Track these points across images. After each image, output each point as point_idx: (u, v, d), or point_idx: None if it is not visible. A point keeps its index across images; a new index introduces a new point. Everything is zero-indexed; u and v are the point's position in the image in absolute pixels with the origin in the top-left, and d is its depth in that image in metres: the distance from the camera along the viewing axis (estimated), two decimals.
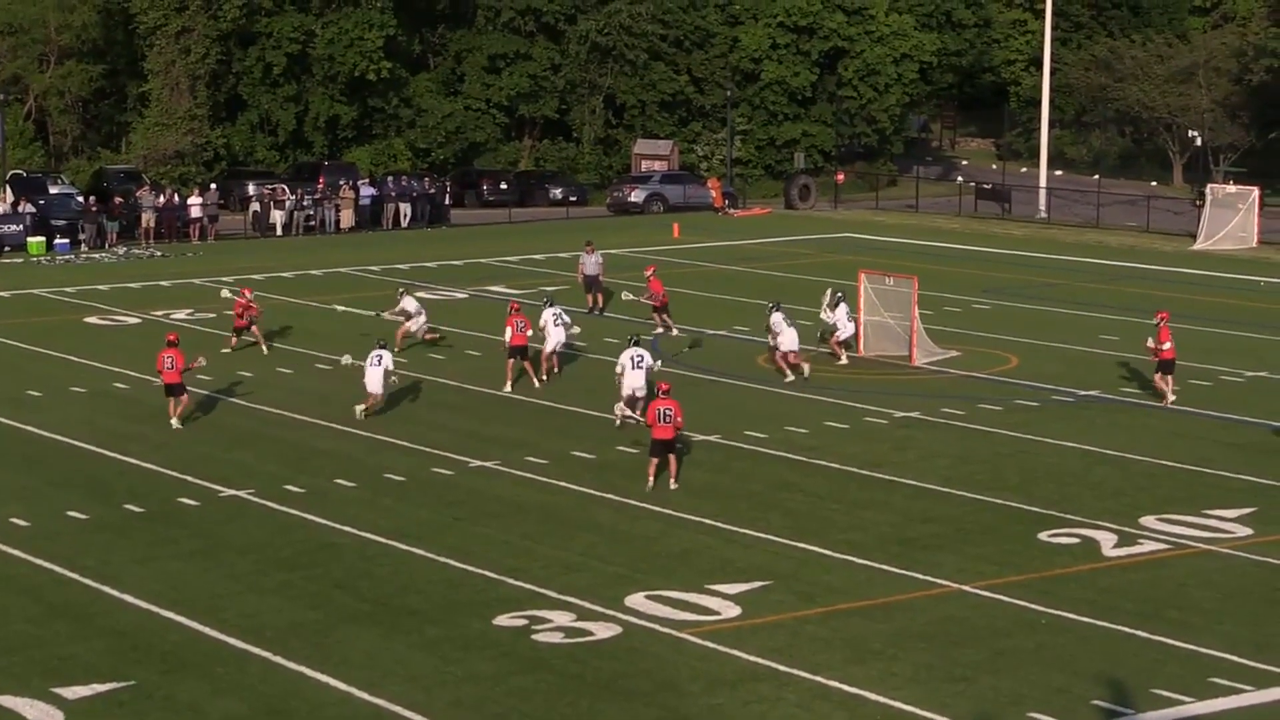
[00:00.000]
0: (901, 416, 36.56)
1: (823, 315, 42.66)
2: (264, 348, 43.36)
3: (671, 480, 30.82)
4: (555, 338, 40.25)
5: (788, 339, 39.83)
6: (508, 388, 39.05)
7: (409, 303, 43.70)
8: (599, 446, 33.69)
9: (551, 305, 41.17)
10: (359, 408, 36.18)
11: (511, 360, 39.24)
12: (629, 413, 34.09)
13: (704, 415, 36.12)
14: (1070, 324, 48.83)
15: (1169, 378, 38.13)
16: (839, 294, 42.74)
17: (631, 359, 34.79)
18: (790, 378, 39.43)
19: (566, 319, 40.75)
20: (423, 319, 43.58)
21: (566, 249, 62.82)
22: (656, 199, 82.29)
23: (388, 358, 36.24)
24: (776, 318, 40.12)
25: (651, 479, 30.75)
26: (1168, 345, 37.87)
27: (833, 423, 35.95)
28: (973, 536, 27.98)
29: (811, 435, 34.87)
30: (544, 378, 39.65)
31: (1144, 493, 30.73)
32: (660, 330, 46.10)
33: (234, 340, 43.61)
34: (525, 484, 31.26)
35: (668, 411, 30.63)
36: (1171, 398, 37.99)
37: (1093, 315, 50.46)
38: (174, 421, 35.40)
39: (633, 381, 34.60)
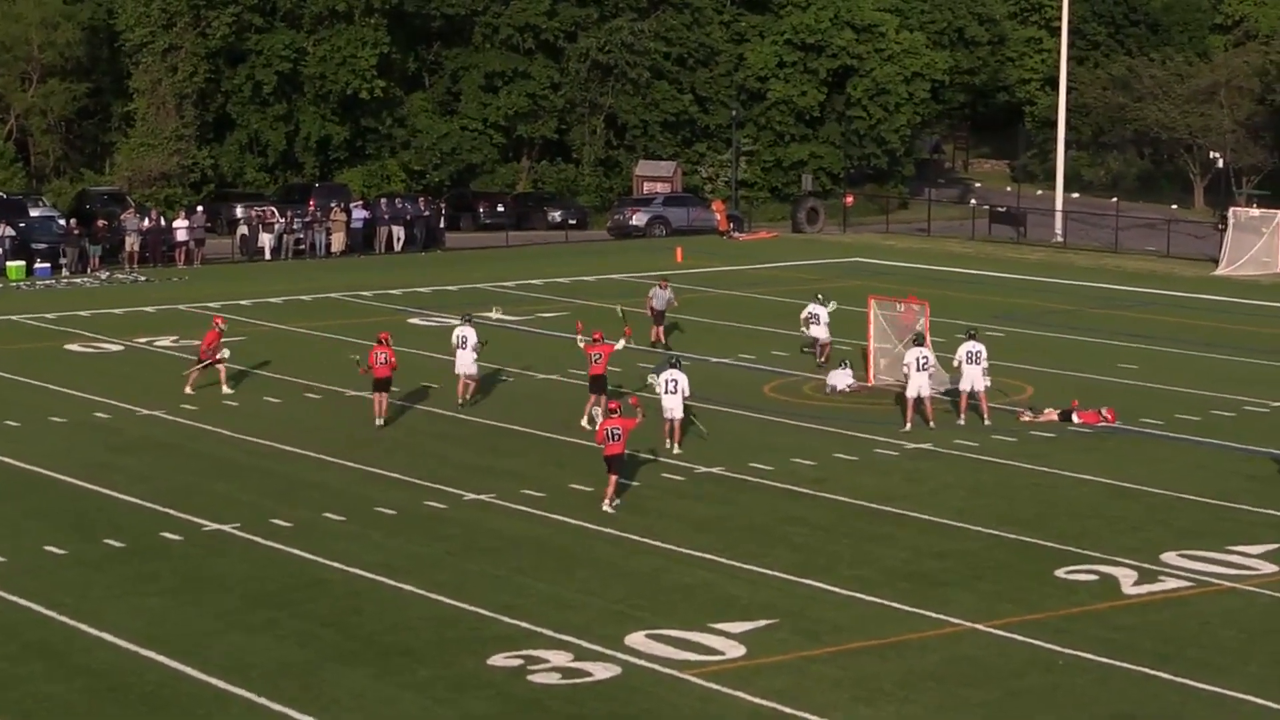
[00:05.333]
0: (913, 448, 36.13)
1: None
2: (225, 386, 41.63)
3: (607, 502, 31.11)
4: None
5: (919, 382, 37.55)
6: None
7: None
8: (597, 479, 32.99)
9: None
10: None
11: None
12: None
13: (707, 446, 35.80)
14: (1087, 352, 48.27)
15: (597, 396, 37.66)
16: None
17: (665, 383, 35.46)
18: (911, 423, 37.50)
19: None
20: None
21: (565, 274, 62.94)
22: (659, 222, 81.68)
23: None
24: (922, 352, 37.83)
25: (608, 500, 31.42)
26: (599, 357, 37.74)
27: (841, 454, 35.58)
28: (986, 573, 27.61)
29: (819, 467, 34.49)
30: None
31: (1165, 527, 30.34)
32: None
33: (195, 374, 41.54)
34: (521, 517, 30.92)
35: (616, 431, 31.20)
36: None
37: (1110, 343, 50.00)
38: None
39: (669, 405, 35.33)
